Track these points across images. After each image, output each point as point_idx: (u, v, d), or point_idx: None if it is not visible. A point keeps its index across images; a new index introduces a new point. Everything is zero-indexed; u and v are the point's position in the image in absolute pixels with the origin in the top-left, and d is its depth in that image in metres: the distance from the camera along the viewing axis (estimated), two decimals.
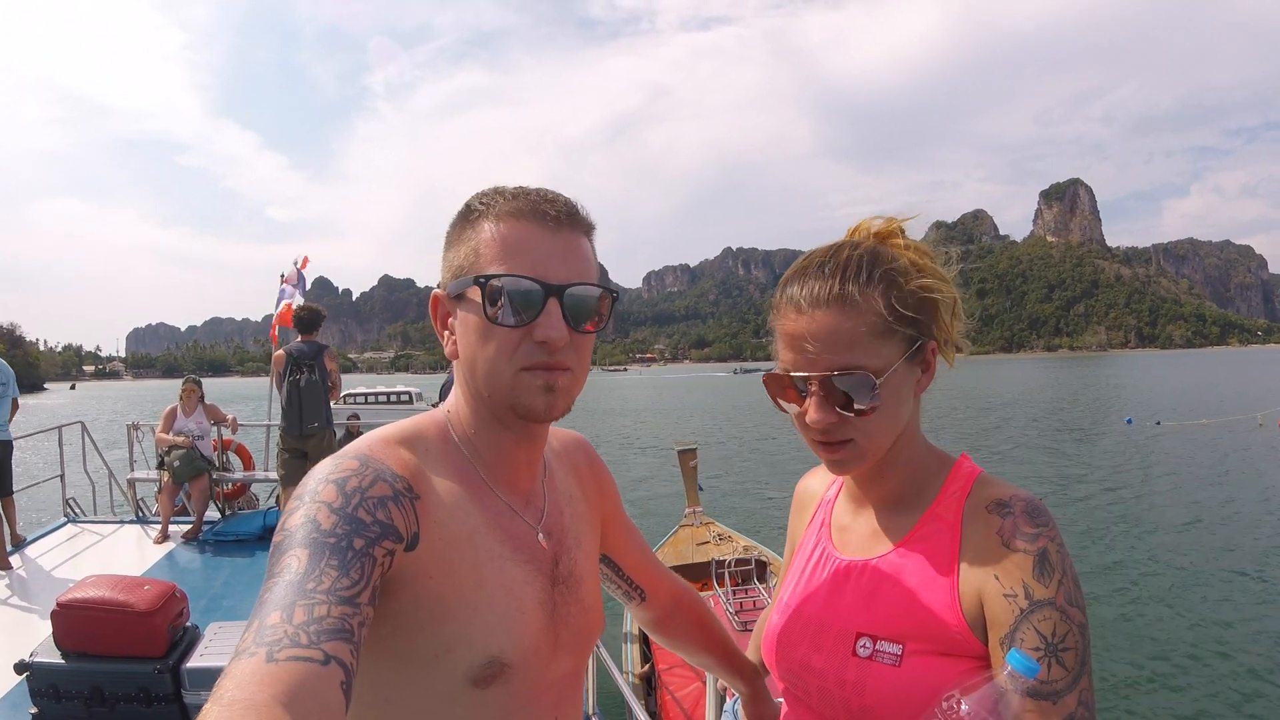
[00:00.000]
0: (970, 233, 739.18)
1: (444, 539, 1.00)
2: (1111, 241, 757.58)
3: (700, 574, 7.68)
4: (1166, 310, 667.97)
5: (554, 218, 1.05)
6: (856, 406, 1.09)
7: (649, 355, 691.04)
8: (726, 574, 7.10)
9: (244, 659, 0.69)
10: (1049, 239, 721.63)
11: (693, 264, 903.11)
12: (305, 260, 10.54)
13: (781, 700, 1.36)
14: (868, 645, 1.12)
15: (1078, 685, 0.96)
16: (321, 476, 0.93)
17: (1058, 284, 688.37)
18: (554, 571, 1.15)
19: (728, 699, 1.76)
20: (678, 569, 7.27)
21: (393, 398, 42.60)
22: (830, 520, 1.33)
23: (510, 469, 1.14)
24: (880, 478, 1.21)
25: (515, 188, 1.08)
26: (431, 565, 0.98)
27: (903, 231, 1.20)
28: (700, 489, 9.11)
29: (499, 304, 1.01)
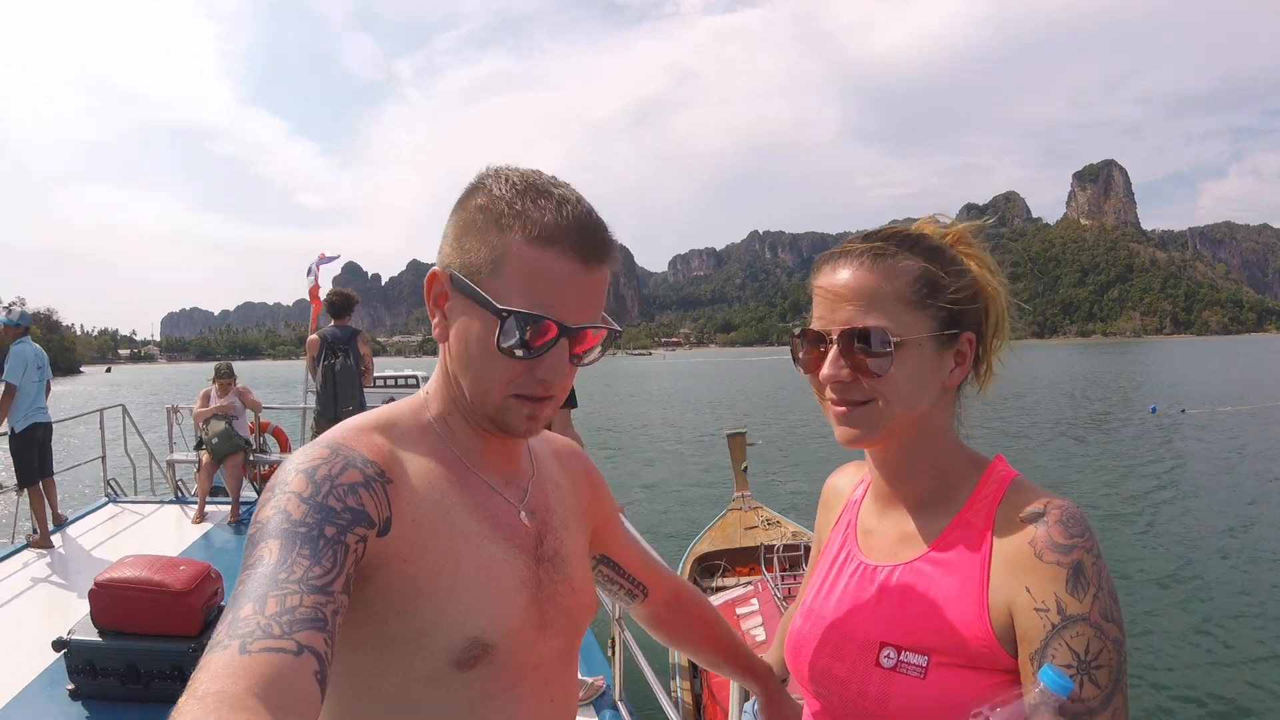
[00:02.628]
0: (1002, 215, 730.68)
1: (417, 521, 0.99)
2: (1147, 225, 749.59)
3: (747, 558, 7.61)
4: (1202, 295, 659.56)
5: (592, 252, 1.01)
6: (870, 364, 1.07)
7: (674, 339, 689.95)
8: (776, 559, 7.00)
9: (217, 651, 0.70)
10: (1082, 221, 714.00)
11: (719, 247, 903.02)
12: (322, 255, 10.75)
13: (803, 701, 1.34)
14: (892, 655, 1.09)
15: (1111, 704, 0.94)
16: (292, 467, 0.93)
17: (1091, 268, 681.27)
18: (538, 550, 1.13)
19: (749, 698, 1.75)
20: (725, 553, 7.40)
21: (400, 381, 42.80)
22: (856, 522, 1.29)
23: (486, 449, 1.13)
24: (908, 475, 1.18)
25: (554, 194, 1.01)
26: (404, 549, 0.97)
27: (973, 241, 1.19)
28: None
29: (511, 339, 0.98)
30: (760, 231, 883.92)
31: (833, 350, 1.10)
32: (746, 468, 8.93)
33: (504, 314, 0.98)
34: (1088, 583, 0.97)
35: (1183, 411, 32.55)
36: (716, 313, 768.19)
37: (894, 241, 1.13)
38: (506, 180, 1.03)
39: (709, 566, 7.55)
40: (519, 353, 0.99)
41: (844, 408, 1.11)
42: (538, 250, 0.98)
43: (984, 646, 1.01)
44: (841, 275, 1.12)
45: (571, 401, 4.48)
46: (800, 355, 1.17)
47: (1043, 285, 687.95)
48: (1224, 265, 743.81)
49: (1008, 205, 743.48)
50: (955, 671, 1.03)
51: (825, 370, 1.11)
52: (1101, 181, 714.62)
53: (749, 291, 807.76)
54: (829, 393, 1.13)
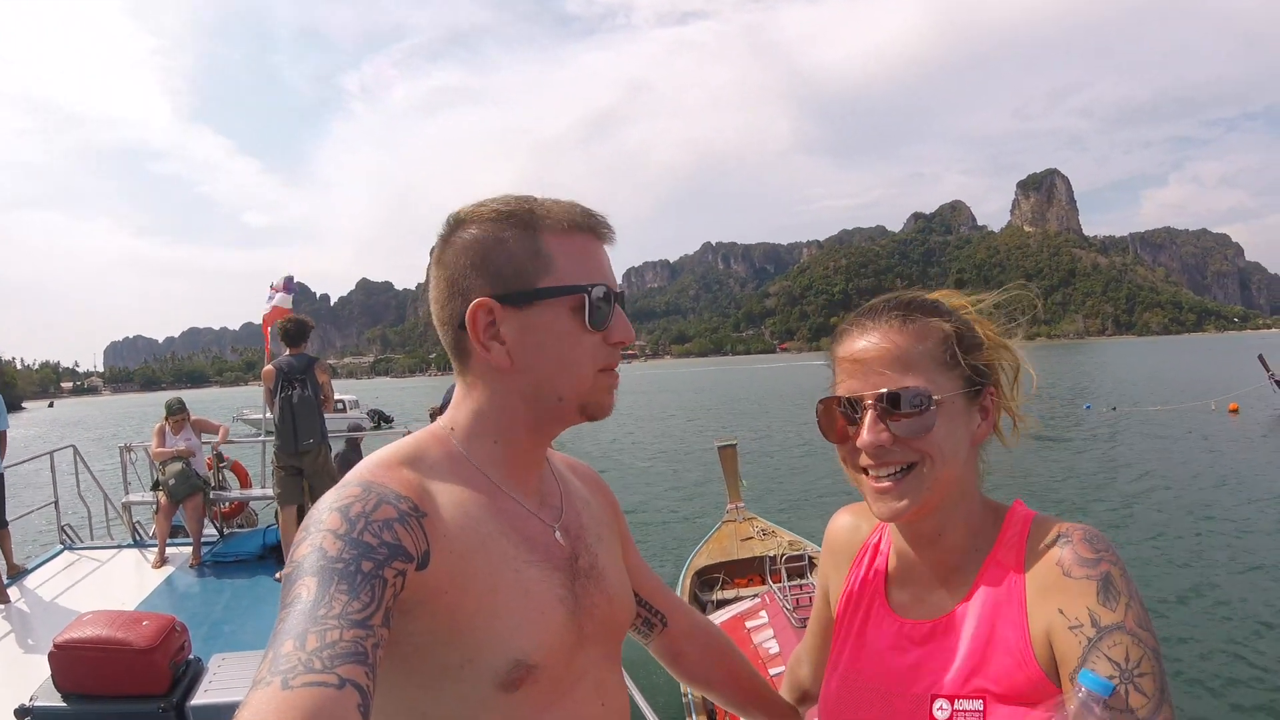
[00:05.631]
0: (948, 223, 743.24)
1: (455, 552, 1.00)
2: (1089, 231, 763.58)
3: (746, 570, 7.59)
4: (1143, 298, 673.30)
5: (606, 231, 1.15)
6: (911, 425, 1.08)
7: (630, 352, 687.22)
8: (782, 570, 6.90)
9: (260, 689, 0.71)
10: (1026, 229, 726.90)
11: (672, 259, 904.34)
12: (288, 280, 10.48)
13: None
14: (945, 707, 1.08)
15: (1160, 714, 0.92)
16: (325, 506, 0.94)
17: (1035, 273, 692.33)
18: (573, 567, 1.16)
19: None
20: (723, 565, 7.31)
21: (344, 405, 42.03)
22: (883, 573, 1.28)
23: (520, 472, 1.16)
24: (937, 537, 1.17)
25: (554, 200, 1.13)
26: (445, 581, 0.98)
27: (973, 308, 1.24)
28: (741, 481, 9.00)
29: (592, 312, 1.08)
30: (713, 243, 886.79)
31: (869, 415, 1.09)
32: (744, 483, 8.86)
33: (588, 289, 1.09)
34: (1119, 592, 0.97)
35: (1114, 409, 33.33)
36: (671, 324, 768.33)
37: (915, 306, 1.15)
38: (496, 199, 1.13)
39: (708, 580, 7.48)
40: (599, 325, 1.10)
41: (887, 483, 1.10)
42: (569, 237, 1.10)
43: (1034, 680, 1.01)
44: (870, 340, 1.13)
45: None
46: (827, 425, 1.17)
47: (988, 291, 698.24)
48: (1164, 269, 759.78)
49: (953, 214, 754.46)
50: (1011, 710, 1.03)
51: (865, 436, 1.09)
52: (1044, 190, 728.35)
53: (703, 302, 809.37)
54: (865, 460, 1.12)
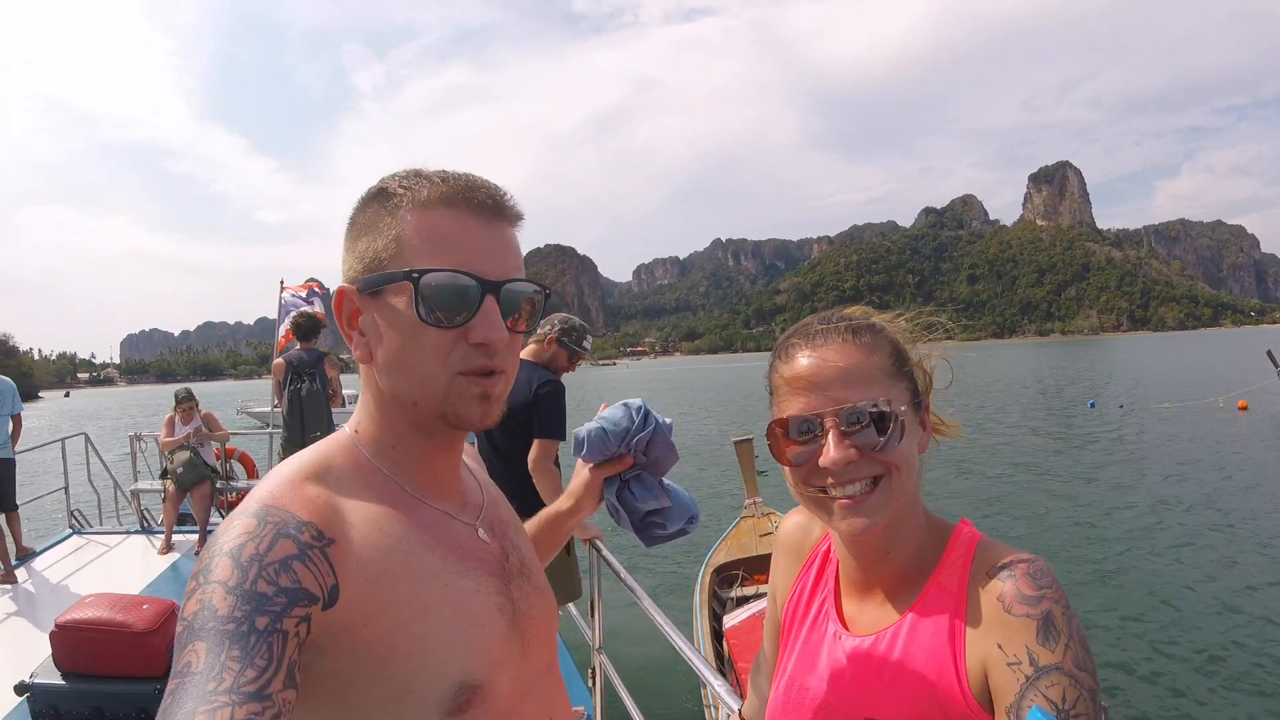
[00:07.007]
0: (960, 217, 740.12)
1: (370, 579, 0.91)
2: (1102, 224, 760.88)
3: (765, 566, 7.36)
4: (1158, 292, 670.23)
5: (488, 207, 0.98)
6: (880, 440, 1.05)
7: (640, 349, 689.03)
8: None
9: None
10: (1039, 223, 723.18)
11: (682, 256, 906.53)
12: (305, 284, 10.55)
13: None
14: None
15: None
16: (218, 548, 0.84)
17: (1048, 268, 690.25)
18: (505, 567, 1.09)
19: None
20: (742, 562, 7.42)
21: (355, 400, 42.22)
22: (835, 583, 1.26)
23: (436, 474, 1.07)
24: (886, 552, 1.15)
25: (439, 171, 1.00)
26: (361, 614, 0.89)
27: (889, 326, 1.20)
28: (763, 473, 8.97)
29: (432, 302, 0.94)
30: (723, 239, 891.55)
31: (832, 433, 1.06)
32: (765, 473, 8.78)
33: (415, 275, 0.94)
34: (1058, 633, 0.96)
35: (1121, 407, 32.90)
36: (681, 321, 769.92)
37: (859, 318, 1.15)
38: (391, 175, 1.02)
39: (728, 577, 7.46)
40: (445, 320, 0.95)
41: (850, 500, 1.07)
42: (433, 213, 0.96)
43: (966, 710, 1.00)
44: (823, 355, 1.10)
45: (556, 432, 4.35)
46: (778, 448, 1.12)
47: (1001, 286, 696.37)
48: (1179, 262, 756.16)
49: (965, 208, 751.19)
50: None
51: (832, 454, 1.05)
52: (1057, 183, 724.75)
53: (713, 299, 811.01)
54: (830, 480, 1.08)
